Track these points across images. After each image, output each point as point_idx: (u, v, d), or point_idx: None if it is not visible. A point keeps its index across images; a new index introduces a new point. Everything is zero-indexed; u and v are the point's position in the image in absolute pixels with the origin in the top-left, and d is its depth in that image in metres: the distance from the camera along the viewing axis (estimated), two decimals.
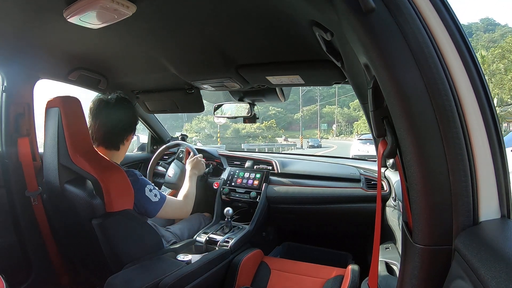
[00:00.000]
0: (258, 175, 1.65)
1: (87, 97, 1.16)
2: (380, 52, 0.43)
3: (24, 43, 1.07)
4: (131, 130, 1.13)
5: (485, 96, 0.44)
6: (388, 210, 1.33)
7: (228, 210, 1.45)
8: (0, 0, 0.80)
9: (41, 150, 1.21)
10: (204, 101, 1.64)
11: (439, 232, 0.45)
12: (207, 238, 1.38)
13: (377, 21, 0.43)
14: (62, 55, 1.21)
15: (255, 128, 33.46)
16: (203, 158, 1.58)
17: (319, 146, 25.58)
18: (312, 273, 1.30)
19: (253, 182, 1.64)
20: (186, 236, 1.39)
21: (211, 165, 1.79)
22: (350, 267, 1.25)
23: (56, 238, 1.30)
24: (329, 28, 0.71)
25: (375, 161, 1.77)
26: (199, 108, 1.64)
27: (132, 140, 1.18)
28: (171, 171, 1.65)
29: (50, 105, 1.03)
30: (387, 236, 1.28)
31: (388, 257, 1.10)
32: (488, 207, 0.44)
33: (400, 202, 1.19)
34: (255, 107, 1.67)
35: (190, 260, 1.11)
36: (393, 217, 1.25)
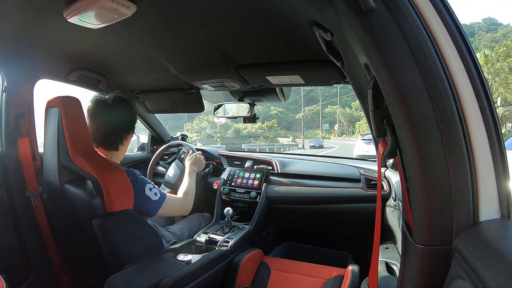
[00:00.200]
0: (258, 175, 1.65)
1: (87, 97, 1.15)
2: (380, 52, 0.43)
3: (24, 43, 1.07)
4: (130, 130, 1.13)
5: (485, 96, 0.44)
6: (388, 210, 1.33)
7: (228, 210, 1.46)
8: (0, 0, 0.80)
9: (41, 150, 1.21)
10: (204, 101, 1.64)
11: (439, 232, 0.45)
12: (207, 238, 1.38)
13: (377, 21, 0.43)
14: (62, 55, 1.21)
15: (256, 128, 33.26)
16: (203, 158, 1.57)
17: (321, 147, 25.07)
18: (312, 273, 1.30)
19: (253, 182, 1.64)
20: (186, 236, 1.39)
21: (211, 165, 1.79)
22: (350, 267, 1.25)
23: (56, 238, 1.30)
24: (329, 28, 0.71)
25: (375, 161, 1.77)
26: (199, 108, 1.64)
27: (132, 140, 1.18)
28: (171, 171, 1.65)
29: (50, 105, 1.03)
30: (387, 236, 1.28)
31: (388, 257, 1.10)
32: (488, 207, 0.44)
33: (400, 202, 1.19)
34: (255, 107, 1.67)
35: (190, 260, 1.12)
36: (393, 217, 1.25)
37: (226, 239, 1.35)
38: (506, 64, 18.66)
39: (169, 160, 1.96)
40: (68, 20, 0.81)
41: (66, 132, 0.97)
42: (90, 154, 0.98)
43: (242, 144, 21.75)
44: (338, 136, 37.88)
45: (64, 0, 0.76)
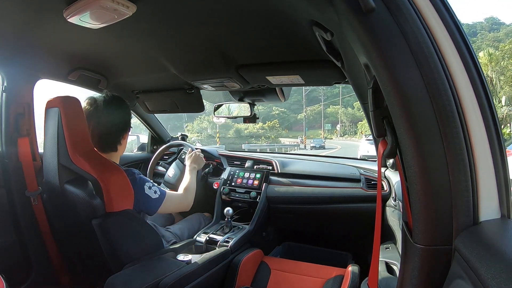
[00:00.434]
0: (258, 175, 1.65)
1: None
2: (380, 52, 0.43)
3: (24, 43, 1.07)
4: (126, 129, 1.11)
5: (485, 96, 0.44)
6: (388, 210, 1.33)
7: (228, 210, 1.46)
8: (0, 0, 0.80)
9: (41, 150, 1.21)
10: (204, 101, 1.64)
11: (439, 232, 0.45)
12: (207, 238, 1.38)
13: (377, 21, 0.43)
14: (62, 55, 1.21)
15: (257, 128, 33.03)
16: (203, 158, 1.58)
17: (322, 147, 24.12)
18: (312, 273, 1.30)
19: (253, 182, 1.64)
20: (186, 236, 1.39)
21: (211, 165, 1.79)
22: (350, 267, 1.25)
23: (56, 238, 1.30)
24: (329, 28, 0.71)
25: (375, 161, 1.77)
26: (199, 108, 1.64)
27: (132, 140, 1.18)
28: (171, 171, 1.65)
29: (50, 105, 1.03)
30: (387, 236, 1.28)
31: (388, 257, 1.10)
32: (488, 207, 0.44)
33: (400, 202, 1.19)
34: (255, 107, 1.67)
35: (190, 260, 1.12)
36: (393, 217, 1.25)
37: (226, 239, 1.35)
38: None
39: (169, 160, 1.97)
40: (68, 20, 0.81)
41: (66, 132, 0.97)
42: (90, 154, 0.98)
43: (243, 145, 21.37)
44: (340, 136, 37.63)
45: (64, 0, 0.76)
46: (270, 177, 1.65)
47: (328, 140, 32.40)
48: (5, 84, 1.23)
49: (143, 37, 1.03)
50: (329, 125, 39.82)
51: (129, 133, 1.15)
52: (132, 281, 0.91)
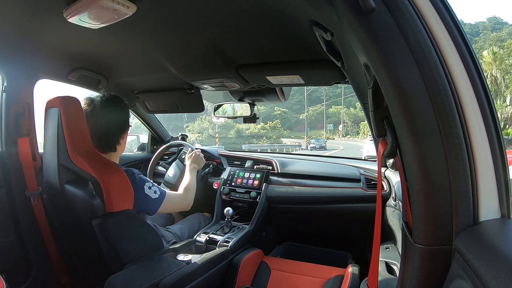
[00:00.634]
0: (258, 175, 1.65)
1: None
2: (380, 52, 0.43)
3: (24, 43, 1.07)
4: (125, 129, 1.10)
5: (485, 96, 0.44)
6: (388, 210, 1.33)
7: (228, 210, 1.46)
8: (0, 0, 0.80)
9: (41, 150, 1.21)
10: (204, 101, 1.64)
11: (439, 232, 0.45)
12: (207, 238, 1.38)
13: (377, 21, 0.43)
14: (62, 55, 1.21)
15: (259, 128, 32.81)
16: (203, 158, 1.58)
17: (323, 148, 23.01)
18: (312, 273, 1.30)
19: (253, 182, 1.64)
20: (186, 236, 1.39)
21: (211, 165, 1.79)
22: (350, 267, 1.25)
23: (56, 238, 1.30)
24: (329, 28, 0.71)
25: (375, 161, 1.77)
26: (199, 108, 1.64)
27: (132, 140, 1.18)
28: (171, 171, 1.65)
29: (50, 105, 1.03)
30: (387, 236, 1.28)
31: (388, 257, 1.10)
32: (488, 207, 0.44)
33: (400, 202, 1.19)
34: (256, 107, 1.67)
35: (190, 260, 1.11)
36: (393, 217, 1.25)
37: (226, 239, 1.35)
38: None
39: (169, 160, 1.96)
40: (68, 20, 0.81)
41: (65, 132, 0.97)
42: (90, 154, 0.98)
43: (243, 145, 20.89)
44: (343, 136, 37.29)
45: (64, 0, 0.76)
46: (270, 177, 1.65)
47: (330, 141, 31.98)
48: (5, 84, 1.23)
49: (143, 37, 1.02)
50: (331, 125, 39.55)
51: (129, 133, 1.15)
52: (132, 281, 0.91)
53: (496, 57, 18.60)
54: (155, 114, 2.01)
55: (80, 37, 1.02)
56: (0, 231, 1.21)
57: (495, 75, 18.49)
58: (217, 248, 1.32)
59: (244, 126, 32.38)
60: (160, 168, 1.86)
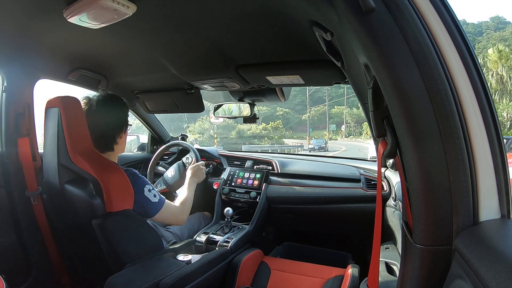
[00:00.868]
0: (258, 175, 1.65)
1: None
2: (380, 52, 0.43)
3: (24, 43, 1.07)
4: (122, 129, 1.09)
5: (485, 96, 0.44)
6: (388, 210, 1.33)
7: (228, 210, 1.45)
8: (1, 0, 0.80)
9: (41, 150, 1.21)
10: (204, 101, 1.64)
11: (439, 232, 0.45)
12: (207, 238, 1.38)
13: (377, 21, 0.43)
14: (62, 55, 1.21)
15: (260, 129, 32.49)
16: (203, 158, 1.57)
17: (323, 149, 21.14)
18: (312, 273, 1.30)
19: (253, 182, 1.64)
20: (186, 236, 1.39)
21: (211, 165, 1.79)
22: (350, 267, 1.25)
23: (56, 238, 1.29)
24: (329, 28, 0.71)
25: (375, 161, 1.77)
26: (199, 108, 1.64)
27: (132, 140, 1.18)
28: (171, 171, 1.65)
29: (50, 105, 1.03)
30: (387, 236, 1.28)
31: (388, 257, 1.10)
32: (488, 207, 0.44)
33: (400, 202, 1.19)
34: (257, 107, 1.67)
35: (190, 260, 1.11)
36: (393, 217, 1.25)
37: (226, 239, 1.35)
38: None
39: (169, 160, 1.97)
40: (68, 20, 0.81)
41: (66, 132, 0.97)
42: (90, 154, 0.98)
43: (242, 146, 20.03)
44: (345, 137, 36.89)
45: (64, 0, 0.76)
46: (270, 177, 1.65)
47: (333, 141, 31.49)
48: (5, 84, 1.23)
49: (143, 37, 1.03)
50: (333, 125, 39.18)
51: (129, 133, 1.14)
52: (132, 281, 0.91)
53: (501, 55, 18.18)
54: (155, 114, 2.00)
55: (80, 37, 1.02)
56: (0, 231, 1.21)
57: (501, 73, 18.09)
58: (217, 248, 1.32)
59: (245, 126, 32.03)
60: (160, 168, 1.86)
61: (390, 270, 1.04)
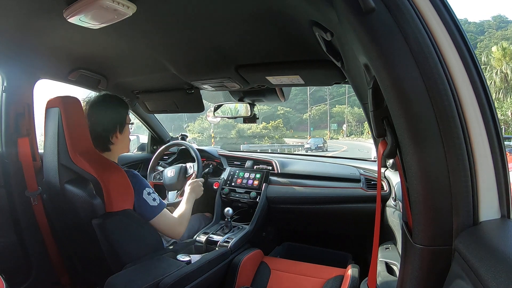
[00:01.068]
0: (258, 175, 1.65)
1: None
2: (380, 52, 0.43)
3: (24, 43, 1.07)
4: (114, 129, 1.07)
5: (485, 96, 0.44)
6: (388, 210, 1.33)
7: (228, 210, 1.45)
8: (1, 0, 0.80)
9: (41, 150, 1.21)
10: (204, 101, 1.64)
11: (439, 232, 0.45)
12: (207, 238, 1.38)
13: (377, 21, 0.43)
14: (62, 55, 1.21)
15: (261, 128, 32.20)
16: (203, 158, 1.57)
17: (321, 149, 19.07)
18: (312, 273, 1.30)
19: (253, 182, 1.64)
20: (186, 236, 1.39)
21: (211, 165, 1.79)
22: (350, 267, 1.25)
23: (56, 238, 1.29)
24: (329, 28, 0.71)
25: (375, 161, 1.77)
26: (199, 108, 1.64)
27: (131, 140, 1.17)
28: (171, 172, 1.64)
29: (50, 105, 1.03)
30: (387, 236, 1.28)
31: (388, 257, 1.10)
32: (488, 207, 0.44)
33: (400, 202, 1.19)
34: (257, 106, 1.67)
35: (190, 260, 1.11)
36: (393, 217, 1.25)
37: (226, 239, 1.35)
38: None
39: (169, 160, 1.97)
40: (68, 20, 0.81)
41: (66, 132, 0.97)
42: (90, 154, 0.98)
43: (241, 146, 19.57)
44: (347, 136, 36.46)
45: (64, 0, 0.76)
46: (270, 177, 1.65)
47: (334, 140, 30.99)
48: (5, 84, 1.23)
49: (143, 37, 1.03)
50: (335, 125, 38.75)
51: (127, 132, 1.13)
52: (132, 281, 0.91)
53: (506, 53, 17.87)
54: (155, 114, 2.01)
55: (80, 37, 1.02)
56: (0, 231, 1.21)
57: (505, 71, 17.75)
58: (217, 248, 1.32)
59: (245, 126, 31.71)
60: (160, 168, 1.86)
61: (390, 270, 1.04)
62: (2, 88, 1.23)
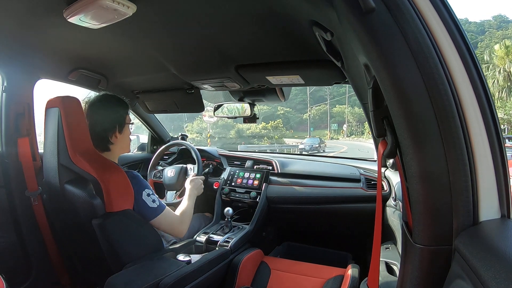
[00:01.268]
0: (258, 175, 1.65)
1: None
2: (380, 52, 0.43)
3: (24, 43, 1.07)
4: (115, 128, 1.07)
5: (485, 96, 0.44)
6: (389, 210, 1.33)
7: (228, 210, 1.45)
8: (1, 0, 0.80)
9: (41, 150, 1.21)
10: (204, 101, 1.64)
11: (439, 232, 0.45)
12: (207, 238, 1.38)
13: (377, 21, 0.43)
14: (62, 55, 1.21)
15: (260, 128, 32.05)
16: (203, 158, 1.58)
17: (316, 150, 17.63)
18: (312, 273, 1.30)
19: (253, 182, 1.64)
20: (186, 236, 1.39)
21: (211, 165, 1.79)
22: (350, 267, 1.25)
23: (56, 238, 1.30)
24: (329, 28, 0.71)
25: (375, 161, 1.77)
26: (199, 108, 1.64)
27: (132, 140, 1.17)
28: (171, 172, 1.64)
29: (50, 105, 1.03)
30: (387, 236, 1.28)
31: (388, 257, 1.10)
32: (488, 207, 0.44)
33: (400, 202, 1.19)
34: (257, 106, 1.68)
35: (190, 260, 1.11)
36: (393, 217, 1.25)
37: (226, 239, 1.35)
38: None
39: (169, 160, 1.97)
40: (68, 20, 0.81)
41: (66, 132, 0.97)
42: (90, 154, 0.98)
43: (238, 146, 18.94)
44: (347, 136, 36.15)
45: (64, 0, 0.76)
46: (270, 177, 1.65)
47: (335, 140, 30.72)
48: (5, 84, 1.23)
49: (143, 37, 1.03)
50: (335, 125, 38.46)
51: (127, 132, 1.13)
52: (132, 281, 0.91)
53: (508, 51, 17.40)
54: (155, 114, 2.01)
55: (80, 37, 1.02)
56: (0, 231, 1.21)
57: (508, 70, 17.30)
58: (217, 248, 1.32)
59: (244, 126, 31.53)
60: (160, 168, 1.86)
61: (390, 270, 1.04)
62: (2, 88, 1.23)
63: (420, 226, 0.46)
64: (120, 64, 1.36)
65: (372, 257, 0.61)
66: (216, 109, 1.78)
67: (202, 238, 1.38)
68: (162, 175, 1.66)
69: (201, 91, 1.55)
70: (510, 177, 0.46)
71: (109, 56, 1.25)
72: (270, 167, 1.72)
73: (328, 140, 27.03)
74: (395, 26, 0.43)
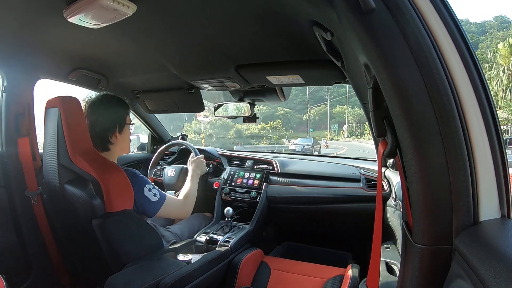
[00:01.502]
0: (258, 175, 1.65)
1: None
2: (380, 52, 0.43)
3: (24, 43, 1.07)
4: (115, 128, 1.08)
5: (485, 96, 0.44)
6: (389, 210, 1.33)
7: (228, 210, 1.45)
8: (1, 0, 0.80)
9: (41, 150, 1.21)
10: (204, 101, 1.64)
11: (439, 232, 0.45)
12: (207, 238, 1.38)
13: (377, 21, 0.43)
14: (62, 55, 1.21)
15: (259, 129, 31.85)
16: (204, 158, 1.58)
17: (309, 151, 15.65)
18: (312, 273, 1.30)
19: (253, 182, 1.64)
20: (186, 236, 1.39)
21: (211, 165, 1.79)
22: (350, 267, 1.25)
23: (56, 238, 1.30)
24: (329, 28, 0.71)
25: (375, 160, 1.77)
26: (199, 108, 1.64)
27: (132, 140, 1.18)
28: (171, 172, 1.64)
29: (50, 105, 1.03)
30: (387, 236, 1.28)
31: (388, 257, 1.10)
32: (488, 207, 0.44)
33: (400, 202, 1.19)
34: (257, 107, 1.68)
35: (190, 260, 1.11)
36: (393, 217, 1.25)
37: (226, 239, 1.35)
38: None
39: (169, 160, 1.97)
40: (68, 20, 0.81)
41: (65, 132, 0.97)
42: (89, 154, 0.98)
43: (235, 147, 17.85)
44: (347, 137, 35.97)
45: (64, 0, 0.76)
46: (270, 177, 1.65)
47: (335, 141, 30.44)
48: (5, 84, 1.23)
49: (143, 37, 1.03)
50: (335, 125, 38.37)
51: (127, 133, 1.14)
52: (132, 281, 0.91)
53: None
54: (155, 114, 2.01)
55: (80, 37, 1.02)
56: (0, 231, 1.22)
57: None
58: (217, 248, 1.32)
59: (243, 126, 31.36)
60: (161, 167, 1.86)
61: (390, 270, 1.04)
62: (2, 88, 1.23)
63: (420, 226, 0.46)
64: (120, 64, 1.36)
65: (372, 257, 0.61)
66: (216, 109, 1.78)
67: (202, 238, 1.39)
68: (162, 174, 1.66)
69: (201, 91, 1.55)
70: (511, 177, 0.46)
71: (109, 56, 1.25)
72: (270, 167, 1.72)
73: (328, 140, 26.82)
74: (395, 26, 0.43)
